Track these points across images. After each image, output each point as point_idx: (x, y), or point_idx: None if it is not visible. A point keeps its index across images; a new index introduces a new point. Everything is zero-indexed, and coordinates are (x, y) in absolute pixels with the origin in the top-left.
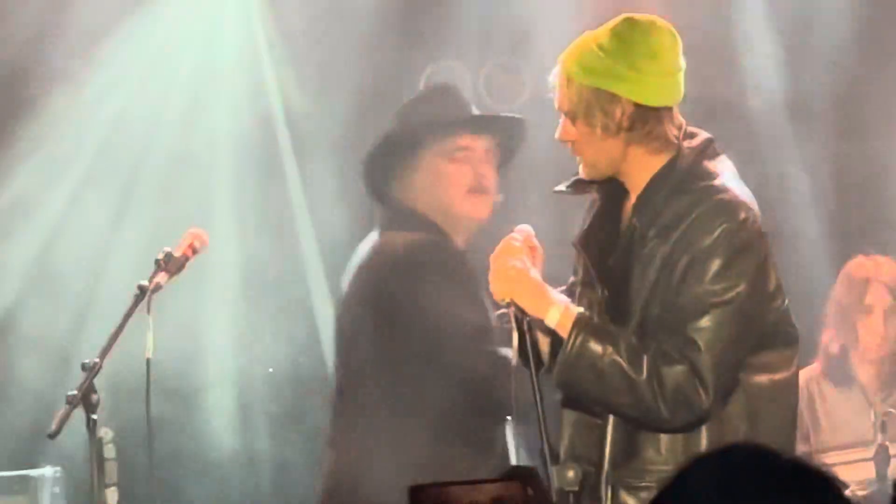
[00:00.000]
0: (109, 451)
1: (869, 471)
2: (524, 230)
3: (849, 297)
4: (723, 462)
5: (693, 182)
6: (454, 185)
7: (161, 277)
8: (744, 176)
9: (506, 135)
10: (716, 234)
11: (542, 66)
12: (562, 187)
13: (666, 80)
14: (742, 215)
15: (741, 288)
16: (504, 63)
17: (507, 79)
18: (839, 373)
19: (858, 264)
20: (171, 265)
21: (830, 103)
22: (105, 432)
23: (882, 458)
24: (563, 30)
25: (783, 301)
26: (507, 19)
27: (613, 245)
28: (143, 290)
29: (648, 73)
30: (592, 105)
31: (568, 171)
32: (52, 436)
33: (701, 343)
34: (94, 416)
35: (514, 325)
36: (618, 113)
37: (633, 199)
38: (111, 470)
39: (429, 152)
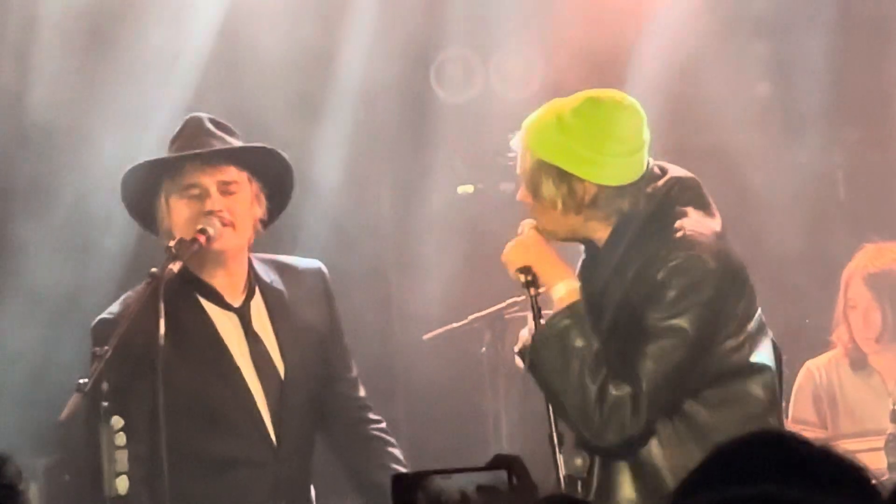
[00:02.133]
0: (120, 440)
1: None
2: (529, 228)
3: (853, 288)
4: (749, 448)
5: (655, 224)
6: (184, 221)
7: (174, 264)
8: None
9: (252, 165)
10: (668, 268)
11: (554, 54)
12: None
13: (629, 160)
14: (695, 253)
15: (684, 324)
16: (515, 51)
17: (518, 67)
18: (857, 359)
19: (867, 255)
20: (183, 252)
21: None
22: (116, 420)
23: (892, 447)
24: (573, 18)
25: (739, 336)
26: (517, 7)
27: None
28: (155, 277)
29: (612, 155)
30: (553, 182)
31: None
32: (63, 423)
33: (642, 374)
34: (105, 404)
35: (532, 304)
36: (580, 192)
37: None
38: (122, 458)
39: (165, 192)
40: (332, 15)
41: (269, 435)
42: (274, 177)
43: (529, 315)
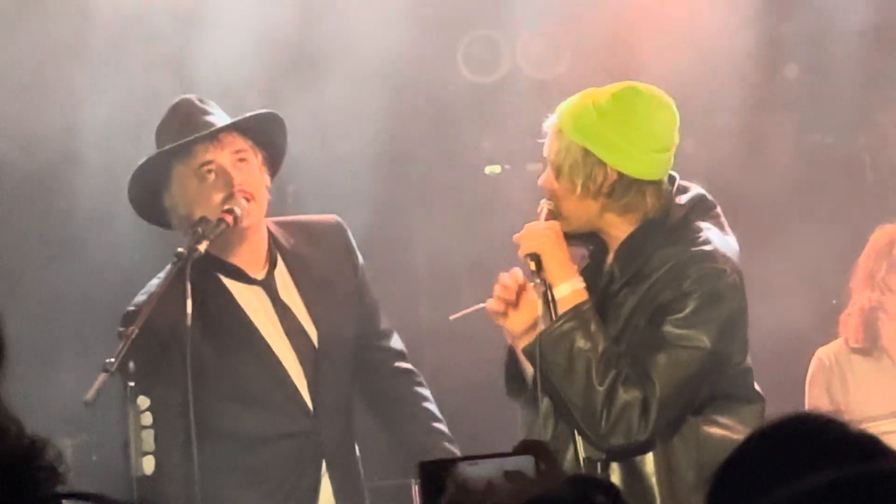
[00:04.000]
0: (146, 419)
1: None
2: (541, 223)
3: (875, 263)
4: (789, 430)
5: (675, 236)
6: (207, 201)
7: (202, 244)
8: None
9: (254, 133)
10: (690, 280)
11: (580, 36)
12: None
13: (657, 157)
14: (719, 266)
15: (704, 337)
16: (542, 32)
17: (545, 48)
18: (868, 342)
19: (884, 231)
20: (209, 232)
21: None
22: (142, 400)
23: None
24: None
25: (744, 360)
26: None
27: (592, 291)
28: (181, 258)
29: (640, 148)
30: (577, 163)
31: None
32: (89, 403)
33: (656, 380)
34: (132, 384)
35: (542, 290)
36: (600, 178)
37: (611, 251)
38: (148, 438)
39: (179, 175)
40: None
41: (306, 404)
42: (272, 142)
43: (539, 302)
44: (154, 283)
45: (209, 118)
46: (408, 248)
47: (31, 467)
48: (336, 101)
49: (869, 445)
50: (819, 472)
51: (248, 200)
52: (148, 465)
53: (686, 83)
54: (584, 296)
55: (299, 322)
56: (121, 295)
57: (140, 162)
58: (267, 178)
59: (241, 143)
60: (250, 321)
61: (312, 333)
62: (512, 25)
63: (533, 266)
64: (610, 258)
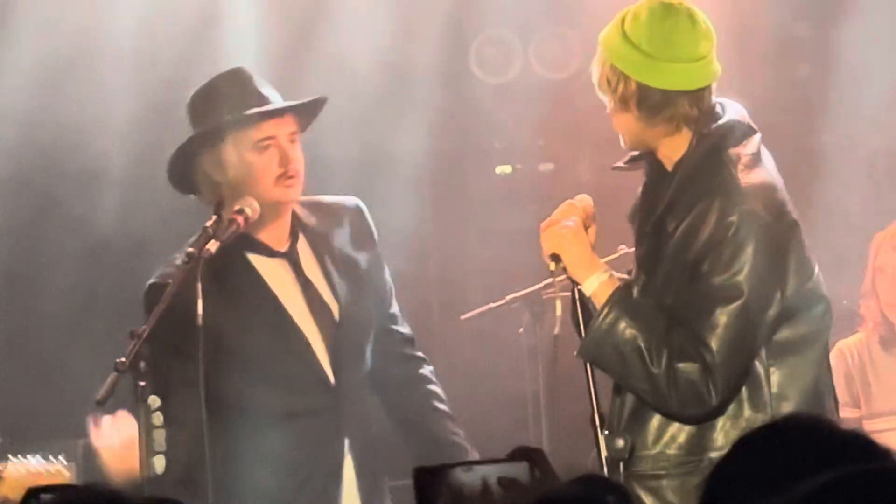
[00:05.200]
0: (157, 419)
1: None
2: (584, 199)
3: (885, 259)
4: (780, 433)
5: (710, 170)
6: (263, 175)
7: (211, 244)
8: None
9: (304, 118)
10: (724, 226)
11: (593, 36)
12: (620, 164)
13: (677, 67)
14: (754, 205)
15: (748, 285)
16: (555, 32)
17: (557, 48)
18: (888, 337)
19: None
20: (220, 232)
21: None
22: (153, 400)
23: None
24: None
25: (809, 278)
26: None
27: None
28: (191, 258)
29: (657, 58)
30: (608, 79)
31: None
32: (101, 403)
33: (712, 343)
34: (142, 384)
35: (558, 292)
36: (621, 89)
37: (668, 171)
38: (159, 437)
39: (233, 142)
40: None
41: (328, 378)
42: (310, 121)
43: (558, 303)
44: (176, 255)
45: (265, 91)
46: (418, 247)
47: None
48: (346, 100)
49: (861, 446)
50: (810, 475)
51: (293, 177)
52: (159, 464)
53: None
54: (614, 283)
55: (320, 295)
56: (131, 291)
57: (200, 131)
58: (303, 160)
59: (295, 124)
60: (273, 294)
61: (334, 307)
62: (524, 26)
63: (553, 266)
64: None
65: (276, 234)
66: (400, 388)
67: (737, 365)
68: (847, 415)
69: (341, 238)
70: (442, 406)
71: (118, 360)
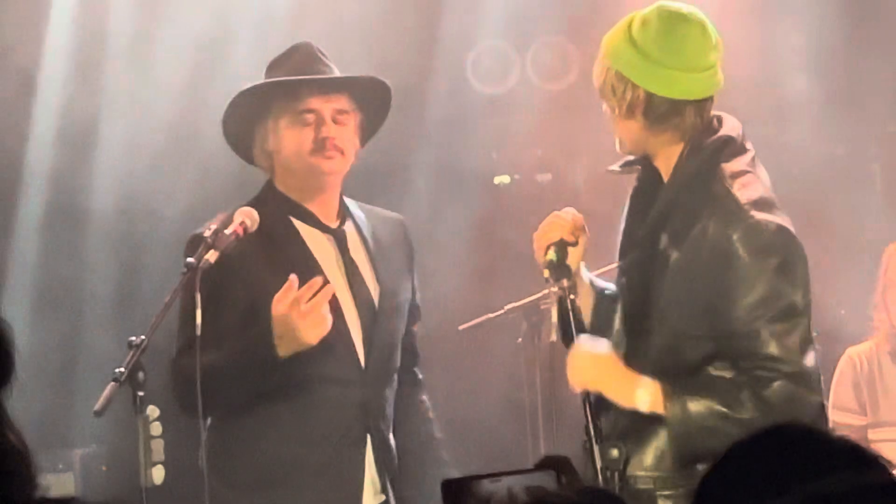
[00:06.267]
0: (156, 429)
1: None
2: (570, 211)
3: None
4: (771, 442)
5: (705, 183)
6: (299, 144)
7: (210, 255)
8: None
9: (361, 96)
10: (732, 249)
11: (590, 46)
12: (614, 167)
13: (685, 76)
14: (755, 222)
15: (777, 293)
16: (551, 43)
17: (554, 59)
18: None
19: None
20: (220, 243)
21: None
22: (151, 410)
23: None
24: (609, 9)
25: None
26: None
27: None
28: (190, 268)
29: (665, 66)
30: (613, 85)
31: (611, 149)
32: (99, 413)
33: (779, 352)
34: (141, 394)
35: (555, 302)
36: (629, 97)
37: (664, 177)
38: (157, 448)
39: (275, 115)
40: (370, 5)
41: (358, 358)
42: (374, 106)
43: (554, 310)
44: (226, 213)
45: (324, 68)
46: (416, 257)
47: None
48: None
49: (851, 454)
50: (801, 482)
51: (335, 150)
52: (158, 475)
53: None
54: (654, 383)
55: (363, 278)
56: (129, 301)
57: (246, 88)
58: (358, 141)
59: (344, 102)
60: (319, 265)
61: (375, 291)
62: (521, 36)
63: (547, 273)
64: (664, 182)
65: (325, 209)
66: (404, 410)
67: (807, 357)
68: (853, 422)
69: (386, 241)
70: (439, 436)
71: (116, 371)
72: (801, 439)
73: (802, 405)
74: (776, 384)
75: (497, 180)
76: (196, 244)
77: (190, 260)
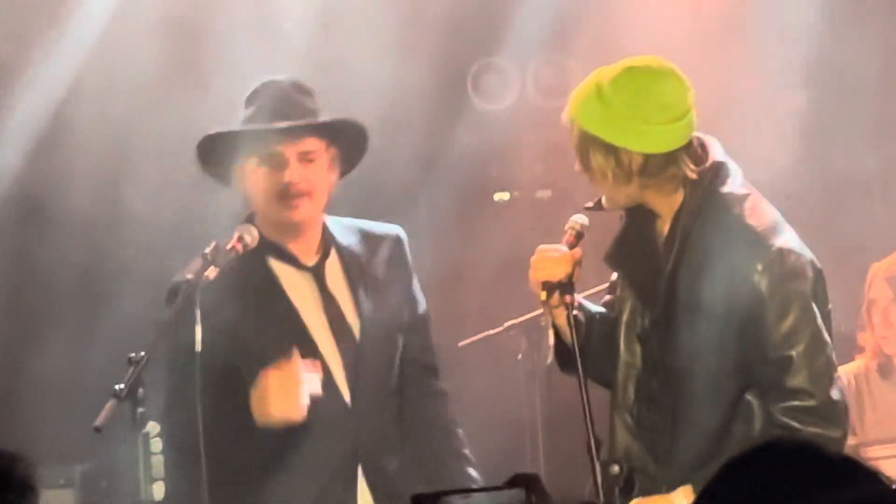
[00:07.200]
0: (156, 446)
1: None
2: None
3: (878, 292)
4: (766, 457)
5: (715, 214)
6: (262, 192)
7: (210, 271)
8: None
9: (333, 136)
10: (756, 279)
11: (590, 62)
12: (590, 204)
13: (675, 126)
14: (774, 249)
15: (805, 330)
16: (551, 59)
17: (554, 75)
18: (885, 365)
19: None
20: (219, 259)
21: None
22: (152, 426)
23: None
24: (609, 26)
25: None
26: (554, 16)
27: (646, 260)
28: (190, 284)
29: (657, 124)
30: (600, 154)
31: None
32: (99, 429)
33: (808, 385)
34: (141, 410)
35: (551, 322)
36: (625, 164)
37: (663, 224)
38: (158, 464)
39: (245, 155)
40: (372, 23)
41: (342, 396)
42: (349, 141)
43: (550, 332)
44: (205, 251)
45: (295, 108)
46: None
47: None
48: None
49: (848, 469)
50: (798, 499)
51: (301, 195)
52: (158, 491)
53: (697, 111)
54: (685, 489)
55: (343, 313)
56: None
57: (211, 133)
58: (334, 176)
59: (314, 143)
60: (293, 306)
61: (355, 326)
62: (521, 53)
63: (544, 296)
64: (659, 230)
65: (304, 247)
66: (417, 421)
67: (829, 374)
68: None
69: (376, 263)
70: (466, 451)
71: (117, 387)
72: (797, 455)
73: (833, 421)
74: (805, 415)
75: (497, 197)
76: (175, 292)
77: (189, 276)
